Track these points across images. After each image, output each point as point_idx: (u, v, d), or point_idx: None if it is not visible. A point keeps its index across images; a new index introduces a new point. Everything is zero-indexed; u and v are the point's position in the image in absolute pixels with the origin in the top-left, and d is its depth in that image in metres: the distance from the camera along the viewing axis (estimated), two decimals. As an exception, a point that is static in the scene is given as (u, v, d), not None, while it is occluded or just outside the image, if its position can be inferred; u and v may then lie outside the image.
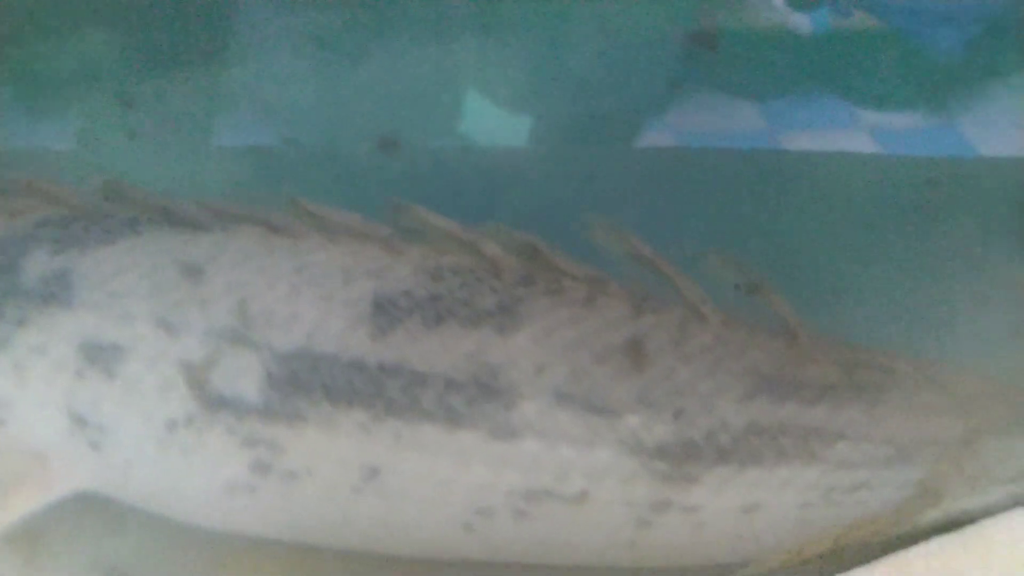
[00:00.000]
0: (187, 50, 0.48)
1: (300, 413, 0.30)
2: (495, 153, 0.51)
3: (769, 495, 0.30)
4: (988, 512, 0.30)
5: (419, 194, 0.33)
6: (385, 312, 0.30)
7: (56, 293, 0.32)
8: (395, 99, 0.49)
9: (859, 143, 0.52)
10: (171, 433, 0.30)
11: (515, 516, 0.30)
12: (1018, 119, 0.51)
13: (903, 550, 0.29)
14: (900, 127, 0.53)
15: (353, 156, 0.47)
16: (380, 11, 0.49)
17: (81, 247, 0.33)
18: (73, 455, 0.32)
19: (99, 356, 0.31)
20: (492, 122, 0.52)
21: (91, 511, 0.33)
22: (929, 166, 0.49)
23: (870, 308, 0.40)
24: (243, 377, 0.30)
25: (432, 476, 0.30)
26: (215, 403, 0.30)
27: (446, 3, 0.49)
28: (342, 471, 0.30)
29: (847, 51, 0.54)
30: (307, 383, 0.30)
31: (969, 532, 0.29)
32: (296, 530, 0.31)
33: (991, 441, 0.30)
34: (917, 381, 0.31)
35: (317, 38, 0.49)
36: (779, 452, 0.29)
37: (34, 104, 0.50)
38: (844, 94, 0.54)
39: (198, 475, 0.31)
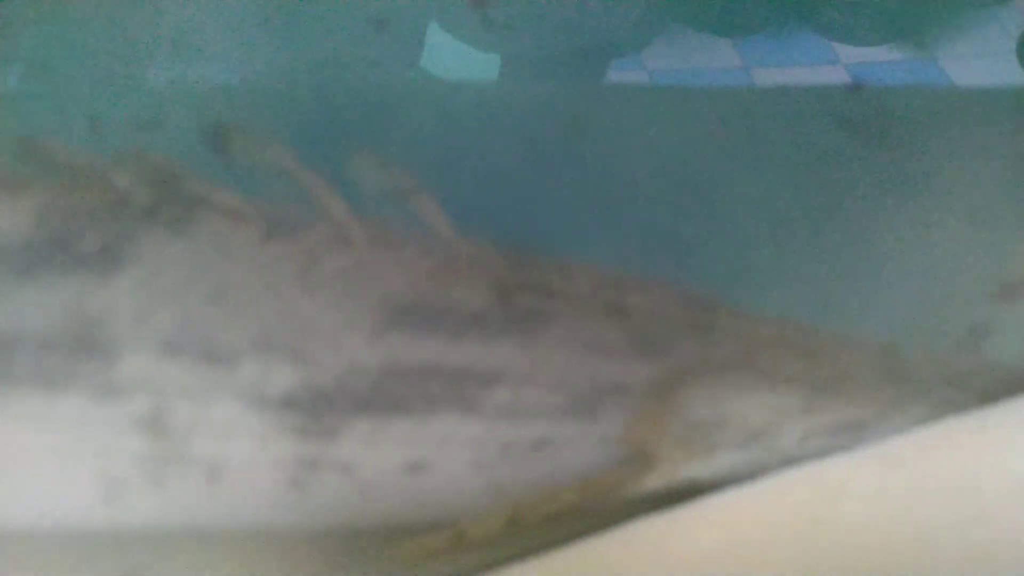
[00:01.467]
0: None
1: None
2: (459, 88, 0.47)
3: (431, 452, 0.25)
4: (722, 482, 0.24)
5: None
6: None
7: None
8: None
9: (836, 78, 0.50)
10: None
11: (153, 484, 0.26)
12: (995, 49, 0.48)
13: (599, 533, 0.24)
14: (877, 61, 0.50)
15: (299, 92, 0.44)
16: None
17: None
18: None
19: None
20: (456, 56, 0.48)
21: None
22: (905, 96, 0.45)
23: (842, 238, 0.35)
24: None
25: (46, 447, 0.26)
26: None
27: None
28: None
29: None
30: None
31: (679, 513, 0.23)
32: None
33: (702, 393, 0.24)
34: (593, 307, 0.25)
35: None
36: (428, 400, 0.25)
37: None
38: (820, 29, 0.50)
39: None
